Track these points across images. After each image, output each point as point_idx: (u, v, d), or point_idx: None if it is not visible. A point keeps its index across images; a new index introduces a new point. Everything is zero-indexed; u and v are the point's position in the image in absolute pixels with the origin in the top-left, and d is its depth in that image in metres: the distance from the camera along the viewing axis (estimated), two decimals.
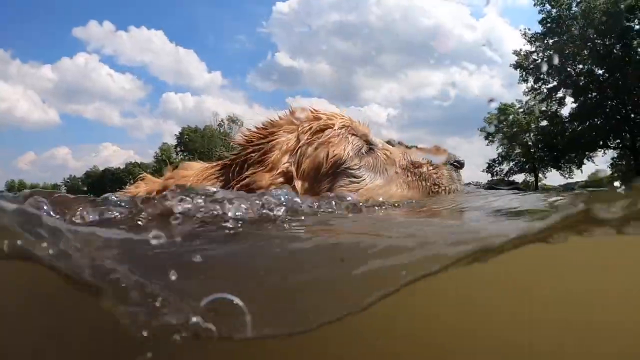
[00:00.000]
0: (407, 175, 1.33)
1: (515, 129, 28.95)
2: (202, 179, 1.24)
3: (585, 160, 27.46)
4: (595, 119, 26.38)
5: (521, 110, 28.90)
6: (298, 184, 1.19)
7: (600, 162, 26.80)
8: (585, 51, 25.83)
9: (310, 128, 1.26)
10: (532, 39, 27.30)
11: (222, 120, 45.08)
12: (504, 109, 29.44)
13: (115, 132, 79.74)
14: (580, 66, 26.60)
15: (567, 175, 28.15)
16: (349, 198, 1.05)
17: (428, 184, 1.33)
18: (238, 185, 1.18)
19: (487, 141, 30.34)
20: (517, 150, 29.91)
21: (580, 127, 26.79)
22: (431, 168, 1.35)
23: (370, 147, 1.32)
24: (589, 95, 26.36)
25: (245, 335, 0.62)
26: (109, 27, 68.29)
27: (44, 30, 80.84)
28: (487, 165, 30.91)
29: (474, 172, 29.89)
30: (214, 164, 1.33)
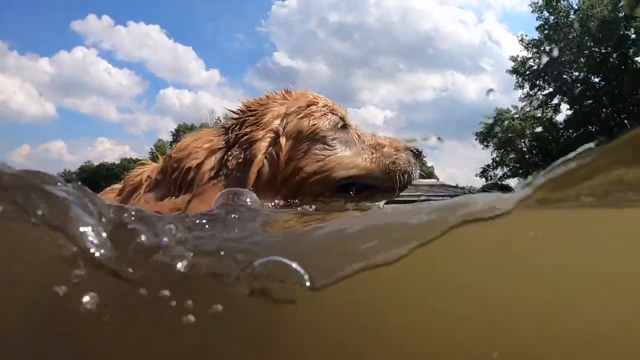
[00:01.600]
0: (372, 152, 1.53)
1: (510, 134, 28.98)
2: (203, 142, 1.43)
3: None
4: (590, 127, 26.50)
5: (517, 116, 28.93)
6: (282, 140, 1.43)
7: None
8: (582, 59, 25.95)
9: (298, 101, 1.52)
10: (529, 45, 27.43)
11: (218, 118, 44.99)
12: (499, 114, 29.52)
13: (111, 127, 79.27)
14: (577, 73, 26.73)
15: None
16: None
17: (387, 162, 1.52)
18: (235, 138, 1.42)
19: (482, 145, 30.26)
20: (512, 156, 29.94)
21: (574, 134, 26.90)
22: (392, 150, 1.55)
23: (345, 125, 1.54)
24: (585, 103, 26.50)
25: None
26: (108, 21, 68.10)
27: (43, 23, 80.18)
28: (481, 170, 30.92)
29: (469, 176, 29.87)
30: (215, 128, 1.57)
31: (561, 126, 27.84)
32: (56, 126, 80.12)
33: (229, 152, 1.39)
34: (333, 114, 1.52)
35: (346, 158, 1.47)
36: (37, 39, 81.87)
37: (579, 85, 26.50)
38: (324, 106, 1.52)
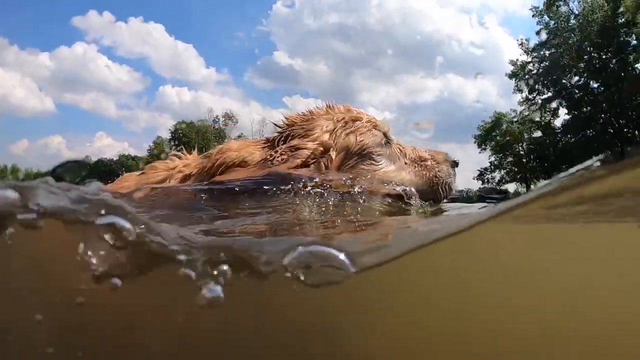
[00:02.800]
0: (415, 166, 1.62)
1: (508, 138, 29.00)
2: (246, 152, 1.46)
3: None
4: (589, 131, 26.51)
5: (515, 119, 28.95)
6: (333, 154, 1.49)
7: None
8: (582, 64, 25.96)
9: (344, 118, 1.57)
10: (529, 49, 27.45)
11: (217, 117, 44.80)
12: (498, 118, 29.55)
13: (110, 123, 78.57)
14: (576, 78, 26.73)
15: None
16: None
17: (430, 175, 1.62)
18: (284, 148, 1.44)
19: (479, 149, 30.30)
20: (510, 159, 29.98)
21: (573, 139, 26.91)
22: (434, 163, 1.64)
23: (388, 141, 1.60)
24: (583, 109, 26.52)
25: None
26: (109, 17, 68.64)
27: (44, 18, 79.53)
28: (478, 172, 30.86)
29: (467, 179, 29.90)
30: (257, 139, 1.62)
31: (559, 131, 27.86)
32: (55, 121, 78.86)
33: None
34: (377, 129, 1.58)
35: (391, 172, 1.55)
36: (37, 33, 79.22)
37: (577, 90, 26.52)
38: (368, 122, 1.58)
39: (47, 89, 71.87)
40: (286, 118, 1.63)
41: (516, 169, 29.77)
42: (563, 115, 27.69)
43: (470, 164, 30.52)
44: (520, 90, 28.15)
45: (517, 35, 28.47)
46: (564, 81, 26.90)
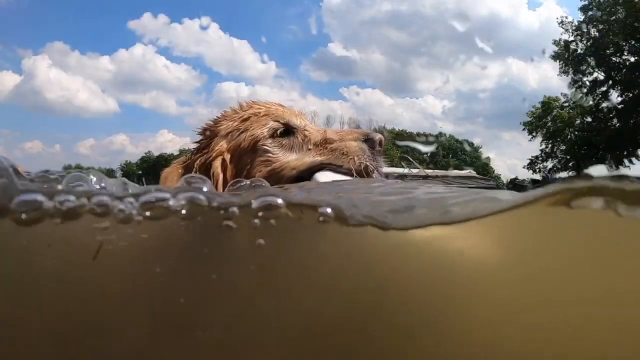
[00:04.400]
0: (319, 150, 1.53)
1: (559, 124, 27.02)
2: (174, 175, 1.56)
3: (633, 160, 23.57)
4: None
5: (566, 104, 27.39)
6: (227, 157, 1.51)
7: None
8: (633, 41, 22.28)
9: (242, 117, 1.58)
10: (573, 27, 25.79)
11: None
12: (547, 103, 27.78)
13: (172, 120, 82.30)
14: (632, 58, 22.72)
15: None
16: None
17: (338, 153, 1.51)
18: (198, 164, 1.51)
19: (530, 136, 29.03)
20: (562, 147, 28.17)
21: (630, 122, 22.88)
22: (342, 143, 1.53)
23: (290, 129, 1.56)
24: (636, 90, 22.12)
25: None
26: (164, 19, 70.92)
27: (101, 23, 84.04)
28: (528, 161, 29.54)
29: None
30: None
31: (611, 115, 23.51)
32: (119, 120, 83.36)
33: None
34: (275, 121, 1.55)
35: (293, 161, 1.48)
36: (96, 39, 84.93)
37: (628, 70, 22.55)
38: (264, 115, 1.57)
39: (109, 91, 78.14)
40: (201, 128, 1.65)
41: (568, 157, 27.79)
42: (616, 97, 23.61)
43: (534, 153, 28.74)
44: (566, 73, 26.57)
45: (577, 14, 24.52)
46: (613, 59, 23.31)
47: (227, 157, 1.50)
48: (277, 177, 1.43)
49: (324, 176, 1.39)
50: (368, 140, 1.52)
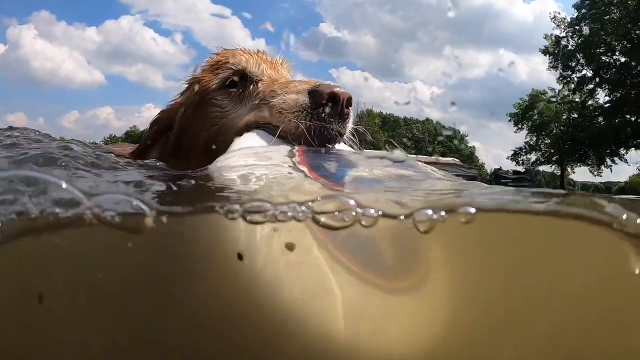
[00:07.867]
0: (263, 105, 1.26)
1: (545, 118, 28.65)
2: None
3: (616, 160, 26.20)
4: (630, 117, 24.64)
5: (554, 99, 28.36)
6: (181, 111, 1.39)
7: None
8: (624, 42, 24.29)
9: (205, 66, 1.44)
10: (565, 23, 26.54)
11: None
12: (535, 96, 29.24)
13: (158, 95, 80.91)
14: (622, 59, 25.00)
15: (595, 173, 27.16)
16: None
17: (275, 111, 1.22)
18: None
19: (516, 128, 30.24)
20: (547, 141, 29.44)
21: (615, 121, 25.30)
22: (282, 97, 1.23)
23: (246, 79, 1.33)
24: (624, 91, 24.60)
25: None
26: None
27: None
28: (512, 153, 30.73)
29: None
30: None
31: (597, 114, 26.43)
32: (104, 93, 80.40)
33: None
34: (230, 69, 1.33)
35: (243, 115, 1.26)
36: (84, 9, 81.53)
37: (617, 70, 24.78)
38: (222, 63, 1.36)
39: (95, 62, 74.46)
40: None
41: (552, 151, 29.13)
42: (603, 97, 26.32)
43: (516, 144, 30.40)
44: (555, 68, 27.33)
45: (571, 10, 26.27)
46: (603, 59, 25.41)
47: (182, 110, 1.38)
48: (224, 138, 1.23)
49: (246, 140, 1.14)
50: (314, 93, 1.15)
